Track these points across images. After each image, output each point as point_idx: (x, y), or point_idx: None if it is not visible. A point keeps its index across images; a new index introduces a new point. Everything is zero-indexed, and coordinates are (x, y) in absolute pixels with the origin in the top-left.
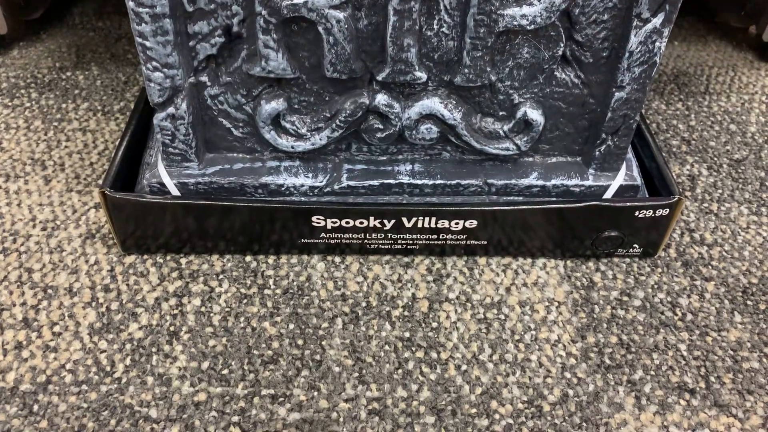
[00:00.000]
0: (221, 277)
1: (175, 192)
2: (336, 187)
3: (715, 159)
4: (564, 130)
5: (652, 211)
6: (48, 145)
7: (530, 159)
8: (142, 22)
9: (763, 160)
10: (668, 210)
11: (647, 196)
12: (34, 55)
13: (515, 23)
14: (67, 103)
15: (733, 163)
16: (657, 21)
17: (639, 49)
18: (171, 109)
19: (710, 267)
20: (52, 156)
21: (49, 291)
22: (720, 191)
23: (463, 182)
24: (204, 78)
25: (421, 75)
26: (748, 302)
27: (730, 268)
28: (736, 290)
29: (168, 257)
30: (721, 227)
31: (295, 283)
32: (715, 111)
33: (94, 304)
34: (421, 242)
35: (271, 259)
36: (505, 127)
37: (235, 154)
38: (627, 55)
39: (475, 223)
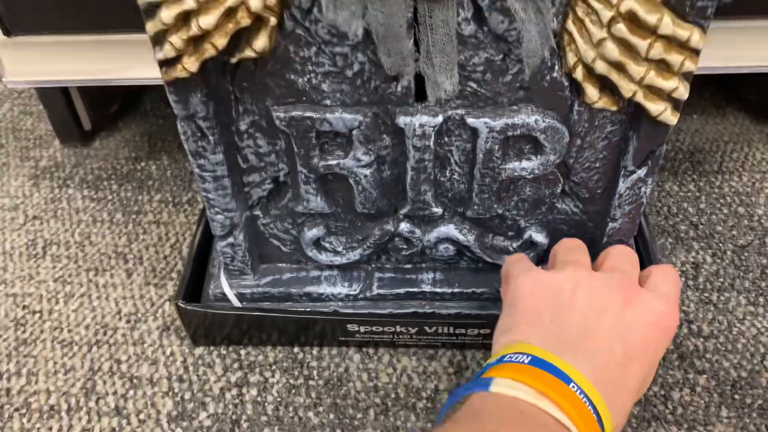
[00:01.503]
0: (274, 368)
1: (235, 302)
2: (368, 294)
3: (720, 245)
4: None
5: None
6: (128, 238)
7: (539, 266)
8: (205, 181)
9: (767, 245)
10: None
11: None
12: (113, 145)
13: (516, 174)
14: (142, 194)
15: (737, 249)
16: (641, 172)
17: (627, 192)
18: (230, 239)
19: (704, 360)
20: (132, 249)
21: (135, 381)
22: (721, 280)
23: (478, 290)
24: (257, 212)
25: (438, 210)
26: (736, 396)
27: (723, 361)
28: (726, 384)
29: (230, 348)
30: (718, 318)
31: (335, 374)
32: (726, 192)
33: (170, 393)
34: (443, 340)
35: (315, 351)
36: (514, 245)
37: (284, 265)
38: (617, 196)
39: (488, 330)
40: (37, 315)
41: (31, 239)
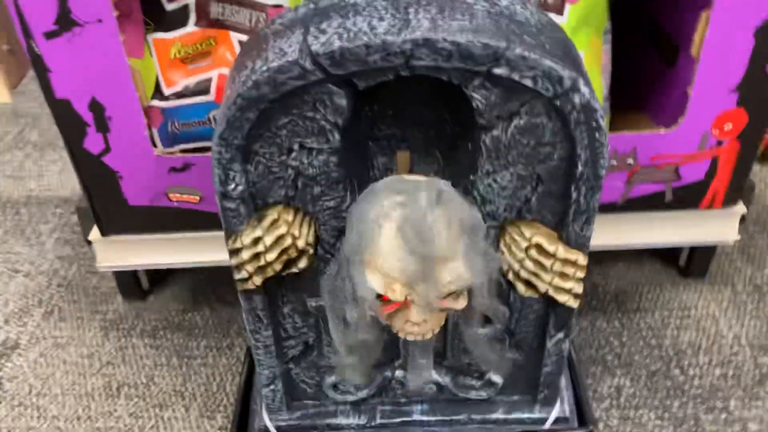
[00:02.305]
0: None
1: None
2: (373, 423)
3: (637, 371)
4: (518, 382)
5: None
6: (183, 378)
7: (498, 397)
8: (258, 348)
9: (671, 371)
10: None
11: (576, 422)
12: (165, 299)
13: (476, 336)
14: (191, 341)
15: (650, 374)
16: (560, 335)
17: (553, 348)
18: (272, 387)
19: None
20: (187, 388)
21: None
22: (637, 400)
23: (455, 417)
24: (291, 365)
25: (423, 361)
26: None
27: None
28: None
29: None
30: (634, 430)
31: None
32: (642, 327)
33: None
34: None
35: None
36: (478, 383)
37: (309, 402)
38: (547, 350)
39: None
40: None
41: (107, 381)
